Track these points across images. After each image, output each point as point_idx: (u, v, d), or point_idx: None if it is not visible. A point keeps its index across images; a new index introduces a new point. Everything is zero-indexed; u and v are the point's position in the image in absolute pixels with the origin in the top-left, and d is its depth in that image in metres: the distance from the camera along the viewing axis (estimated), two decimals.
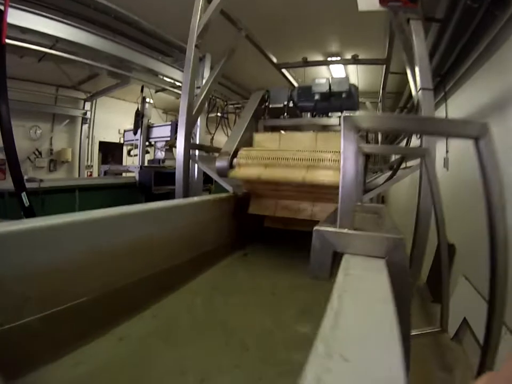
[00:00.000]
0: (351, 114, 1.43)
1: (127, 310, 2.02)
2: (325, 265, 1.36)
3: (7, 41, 3.82)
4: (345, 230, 1.31)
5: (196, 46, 4.11)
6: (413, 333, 1.75)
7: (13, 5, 4.98)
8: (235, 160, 3.50)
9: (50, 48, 6.90)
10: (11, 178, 4.02)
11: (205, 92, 4.49)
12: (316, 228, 1.38)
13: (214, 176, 3.91)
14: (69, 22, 6.22)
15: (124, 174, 9.34)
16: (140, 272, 2.27)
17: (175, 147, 7.83)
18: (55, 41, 6.58)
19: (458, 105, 5.68)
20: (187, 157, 4.06)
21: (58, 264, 1.70)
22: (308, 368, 0.61)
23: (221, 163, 3.58)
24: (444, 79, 5.93)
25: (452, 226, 3.08)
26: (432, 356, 3.43)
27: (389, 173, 4.14)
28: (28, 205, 4.04)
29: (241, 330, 1.99)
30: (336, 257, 1.35)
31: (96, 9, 6.41)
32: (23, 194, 4.03)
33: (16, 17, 5.24)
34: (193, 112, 4.17)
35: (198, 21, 4.10)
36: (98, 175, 11.74)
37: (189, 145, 4.12)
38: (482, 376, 0.51)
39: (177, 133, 4.05)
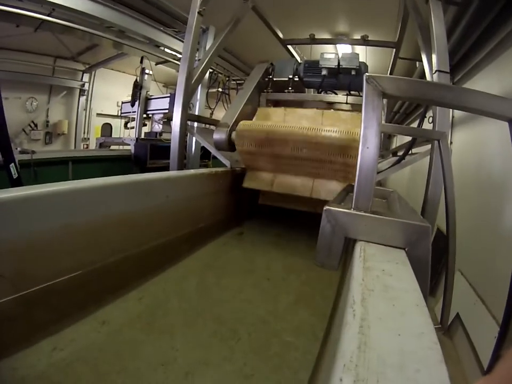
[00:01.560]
0: (374, 75, 1.22)
1: (111, 291, 1.92)
2: (334, 252, 1.17)
3: (2, 7, 3.64)
4: (362, 213, 1.11)
5: (198, 12, 3.92)
6: None
7: None
8: (234, 132, 3.32)
9: (48, 16, 6.67)
10: (1, 149, 3.85)
11: (205, 61, 4.29)
12: (326, 207, 1.18)
13: (211, 149, 3.78)
14: None
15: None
16: (126, 249, 2.15)
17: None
18: (51, 9, 6.37)
19: None
20: (183, 127, 3.86)
21: (34, 239, 1.57)
22: None
23: (219, 135, 3.41)
24: (456, 68, 5.63)
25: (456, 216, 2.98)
26: None
27: (392, 159, 4.01)
28: (17, 176, 3.87)
29: (233, 317, 1.89)
30: (346, 244, 1.17)
31: None
32: (12, 166, 3.86)
33: None
34: (192, 81, 3.99)
35: None
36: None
37: (186, 116, 3.92)
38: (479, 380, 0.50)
39: (175, 102, 3.87)
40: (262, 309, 2.00)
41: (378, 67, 8.92)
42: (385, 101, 6.23)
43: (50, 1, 5.76)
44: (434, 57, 3.21)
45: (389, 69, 7.22)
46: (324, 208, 1.19)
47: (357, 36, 7.28)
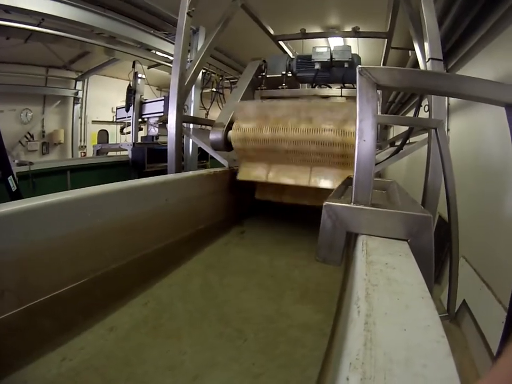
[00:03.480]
0: (367, 66, 1.21)
1: (116, 297, 1.92)
2: (336, 247, 1.16)
3: None
4: (362, 206, 1.10)
5: (188, 13, 3.90)
6: None
7: None
8: (230, 132, 3.31)
9: (37, 26, 6.71)
10: None
11: (197, 62, 4.28)
12: (326, 202, 1.17)
13: (208, 150, 3.76)
14: None
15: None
16: (128, 254, 2.16)
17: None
18: (40, 20, 6.41)
19: None
20: (179, 129, 3.86)
21: (35, 251, 1.58)
22: None
23: (215, 135, 3.41)
24: (448, 55, 5.64)
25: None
26: None
27: (390, 149, 4.00)
28: (16, 189, 3.88)
29: (239, 317, 1.88)
30: (348, 238, 1.16)
31: None
32: (10, 179, 3.87)
33: None
34: (186, 83, 3.98)
35: None
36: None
37: (181, 117, 3.92)
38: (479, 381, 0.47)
39: (169, 104, 3.86)
40: (267, 307, 1.99)
41: (371, 58, 8.93)
42: (380, 92, 6.23)
43: (38, 12, 5.75)
44: (426, 45, 3.20)
45: (382, 59, 7.22)
46: (324, 204, 1.18)
47: (348, 28, 7.29)
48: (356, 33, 6.57)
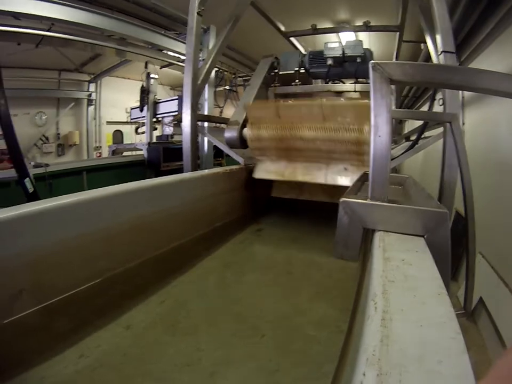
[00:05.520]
0: (380, 62, 1.21)
1: (133, 296, 1.92)
2: (352, 243, 1.17)
3: (1, 28, 3.71)
4: (379, 202, 1.11)
5: (198, 13, 3.90)
6: None
7: None
8: (245, 130, 3.34)
9: (47, 31, 6.82)
10: (13, 166, 3.92)
11: (210, 61, 4.28)
12: (342, 199, 1.18)
13: (224, 148, 3.78)
14: (63, 2, 5.93)
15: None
16: (145, 253, 2.19)
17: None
18: (50, 24, 6.51)
19: None
20: (194, 128, 3.88)
21: (51, 252, 1.61)
22: None
23: (230, 133, 3.43)
24: (460, 47, 5.47)
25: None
26: None
27: (405, 144, 3.97)
28: (32, 190, 3.94)
29: (255, 314, 1.88)
30: (365, 234, 1.16)
31: None
32: (26, 181, 3.93)
33: (7, 3, 5.09)
34: (199, 82, 3.99)
35: None
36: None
37: (196, 116, 3.93)
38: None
39: (183, 104, 3.88)
40: (283, 304, 1.99)
41: (383, 52, 8.86)
42: (393, 86, 6.19)
43: (48, 17, 5.81)
44: (438, 38, 3.16)
45: (394, 53, 7.18)
46: (340, 200, 1.19)
47: (359, 22, 7.24)
48: (367, 27, 6.53)
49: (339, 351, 1.28)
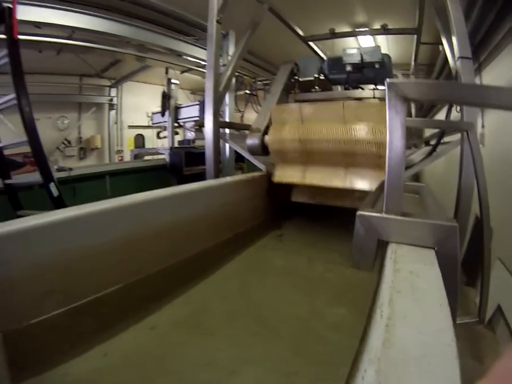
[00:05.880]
0: (396, 81, 1.28)
1: (158, 299, 2.00)
2: (368, 254, 1.25)
3: (22, 37, 3.86)
4: (393, 216, 1.18)
5: (217, 21, 3.97)
6: (459, 321, 1.62)
7: (23, 1, 4.97)
8: (266, 137, 3.39)
9: (68, 39, 6.95)
10: (39, 171, 4.02)
11: (231, 68, 4.35)
12: (359, 212, 1.26)
13: (246, 155, 3.83)
14: (83, 10, 6.11)
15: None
16: (171, 257, 2.28)
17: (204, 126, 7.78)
18: (71, 32, 6.63)
19: (494, 76, 5.23)
20: (216, 135, 3.94)
21: (82, 256, 1.71)
22: None
23: (252, 140, 3.49)
24: (478, 48, 5.39)
25: (490, 206, 2.93)
26: (464, 342, 3.31)
27: (424, 149, 3.98)
28: (57, 194, 4.04)
29: (274, 317, 1.93)
30: (380, 245, 1.23)
31: None
32: (51, 185, 4.03)
33: (28, 12, 5.22)
34: (220, 89, 4.05)
35: None
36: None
37: (218, 123, 4.00)
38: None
39: (205, 111, 3.95)
40: (302, 308, 2.04)
41: (403, 53, 8.76)
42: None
43: (69, 25, 5.96)
44: (454, 42, 3.19)
45: (413, 55, 7.16)
46: (357, 213, 1.25)
47: (377, 25, 7.28)
48: (384, 31, 6.55)
49: (354, 354, 1.34)
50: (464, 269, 3.86)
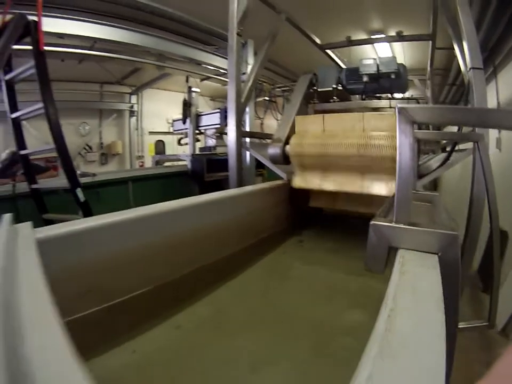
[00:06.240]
0: (406, 106, 1.41)
1: (185, 300, 2.13)
2: (380, 258, 1.38)
3: (46, 48, 4.00)
4: (401, 225, 1.33)
5: (237, 33, 4.10)
6: (460, 325, 1.72)
7: (48, 13, 5.14)
8: (287, 147, 3.49)
9: (90, 49, 7.21)
10: (66, 177, 4.16)
11: (252, 79, 4.48)
12: (372, 222, 1.40)
13: (268, 164, 3.92)
14: (104, 22, 6.36)
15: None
16: (199, 261, 2.40)
17: (225, 134, 7.77)
18: (93, 42, 6.84)
19: (509, 81, 5.27)
20: (239, 145, 4.06)
21: (118, 259, 1.84)
22: (361, 366, 0.68)
23: (274, 150, 3.58)
24: (493, 54, 5.54)
25: (505, 212, 2.89)
26: (478, 349, 3.37)
27: (441, 155, 4.01)
28: (84, 199, 4.17)
29: (293, 319, 2.03)
30: (391, 251, 1.37)
31: (129, 6, 6.45)
32: (78, 190, 4.17)
33: (52, 24, 5.43)
34: (242, 100, 4.18)
35: (236, 8, 4.09)
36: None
37: (240, 133, 4.11)
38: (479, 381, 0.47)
39: (228, 121, 4.08)
40: (320, 311, 2.12)
41: (419, 58, 8.80)
42: (430, 93, 6.22)
43: (90, 36, 6.19)
44: (466, 52, 3.24)
45: (428, 61, 7.19)
46: (370, 223, 1.39)
47: (392, 31, 7.42)
48: (400, 37, 6.62)
49: None
50: (481, 276, 3.89)
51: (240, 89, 4.14)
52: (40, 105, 3.83)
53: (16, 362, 0.61)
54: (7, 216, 1.60)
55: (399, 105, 1.43)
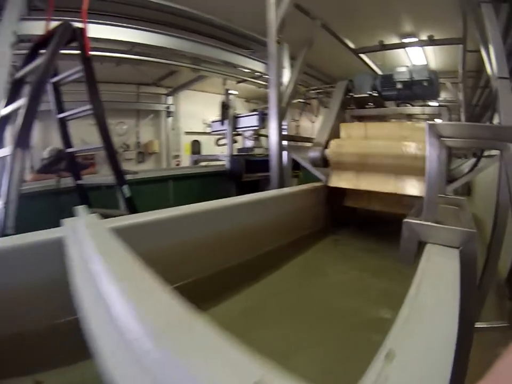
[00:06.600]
0: (434, 123, 1.65)
1: (230, 289, 2.29)
2: (410, 251, 1.63)
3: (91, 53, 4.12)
4: (429, 223, 1.58)
5: (277, 41, 4.29)
6: (479, 325, 1.84)
7: (91, 20, 5.38)
8: (327, 150, 3.70)
9: (128, 53, 7.48)
10: (113, 174, 4.28)
11: (291, 85, 4.70)
12: (405, 220, 1.66)
13: (307, 166, 4.10)
14: (143, 27, 6.54)
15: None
16: (244, 255, 2.60)
17: (263, 136, 8.12)
18: (131, 46, 7.05)
19: None
20: (280, 147, 4.25)
21: (178, 247, 2.09)
22: (389, 334, 0.84)
23: (314, 153, 3.79)
24: None
25: None
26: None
27: (472, 160, 4.06)
28: (129, 195, 4.32)
29: (325, 311, 2.16)
30: (420, 245, 1.61)
31: (168, 12, 6.75)
32: (124, 187, 4.28)
33: (92, 30, 5.61)
34: (283, 105, 4.37)
35: (274, 16, 4.26)
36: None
37: (281, 137, 4.29)
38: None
39: (269, 125, 4.29)
40: (350, 303, 2.27)
41: (450, 61, 8.66)
42: (463, 97, 6.22)
43: (129, 41, 6.45)
44: (493, 60, 3.30)
45: (460, 63, 7.19)
46: (403, 221, 1.63)
47: (423, 34, 7.50)
48: (431, 42, 6.72)
49: None
50: (509, 284, 3.87)
51: (280, 94, 4.33)
52: (88, 106, 4.04)
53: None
54: (81, 208, 1.90)
55: (429, 122, 1.67)
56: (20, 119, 3.15)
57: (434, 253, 1.42)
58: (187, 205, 2.28)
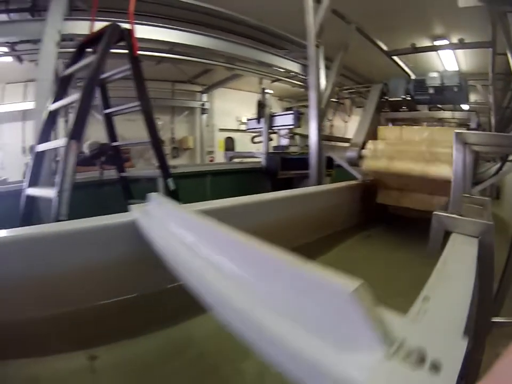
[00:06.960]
0: (461, 131, 1.91)
1: None
2: (437, 241, 1.89)
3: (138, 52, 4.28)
4: (454, 215, 1.84)
5: (316, 45, 4.49)
6: (496, 319, 2.02)
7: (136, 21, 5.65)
8: (364, 151, 3.92)
9: (168, 52, 7.82)
10: (159, 167, 4.50)
11: (329, 87, 4.89)
12: (435, 212, 1.92)
13: (344, 165, 4.33)
14: (182, 28, 6.83)
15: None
16: (282, 246, 2.79)
17: (298, 134, 8.39)
18: (172, 46, 7.37)
19: None
20: (320, 147, 4.40)
21: None
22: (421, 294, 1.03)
23: (351, 153, 4.03)
24: None
25: None
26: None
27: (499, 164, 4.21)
28: (174, 188, 4.43)
29: None
30: (446, 235, 1.86)
31: (203, 13, 7.02)
32: (169, 180, 4.38)
33: (137, 31, 5.89)
34: (322, 106, 4.57)
35: (313, 21, 4.44)
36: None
37: (321, 137, 4.45)
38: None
39: (309, 125, 4.47)
40: (379, 290, 2.49)
41: (481, 63, 8.69)
42: (492, 99, 6.34)
43: (169, 41, 6.77)
44: None
45: (490, 66, 7.27)
46: (433, 213, 1.90)
47: (454, 37, 7.65)
48: (462, 45, 6.85)
49: None
50: None
51: (319, 96, 4.53)
52: (137, 103, 4.15)
53: None
54: (154, 194, 2.05)
55: (456, 131, 1.94)
56: (74, 113, 3.37)
57: (458, 240, 1.68)
58: (236, 197, 2.52)
